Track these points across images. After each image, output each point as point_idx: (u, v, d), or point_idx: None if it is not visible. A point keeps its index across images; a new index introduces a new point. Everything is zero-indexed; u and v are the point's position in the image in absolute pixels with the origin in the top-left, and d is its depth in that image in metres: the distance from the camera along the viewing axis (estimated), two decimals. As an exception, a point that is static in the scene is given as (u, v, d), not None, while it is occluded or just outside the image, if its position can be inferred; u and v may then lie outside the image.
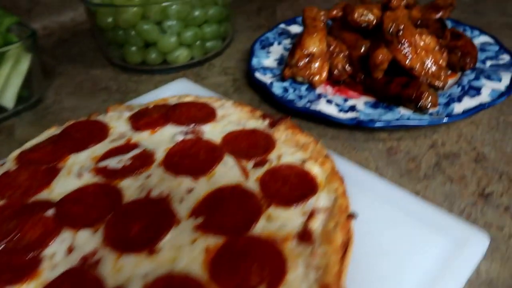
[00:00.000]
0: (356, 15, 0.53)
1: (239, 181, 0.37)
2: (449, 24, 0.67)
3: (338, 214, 0.33)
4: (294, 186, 0.36)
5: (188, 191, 0.36)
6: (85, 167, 0.40)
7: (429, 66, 0.49)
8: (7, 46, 0.52)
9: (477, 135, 0.47)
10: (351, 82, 0.54)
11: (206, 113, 0.47)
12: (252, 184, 0.36)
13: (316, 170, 0.38)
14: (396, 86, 0.48)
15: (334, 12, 0.60)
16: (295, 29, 0.69)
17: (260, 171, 0.38)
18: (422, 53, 0.49)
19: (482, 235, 0.32)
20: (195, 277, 0.28)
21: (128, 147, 0.42)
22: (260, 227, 0.32)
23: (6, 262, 0.31)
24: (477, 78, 0.52)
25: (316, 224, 0.32)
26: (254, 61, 0.59)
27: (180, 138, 0.42)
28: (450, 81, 0.53)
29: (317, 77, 0.52)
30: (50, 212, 0.34)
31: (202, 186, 0.36)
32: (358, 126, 0.46)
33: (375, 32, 0.53)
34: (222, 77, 0.63)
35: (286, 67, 0.53)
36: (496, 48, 0.58)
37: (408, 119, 0.45)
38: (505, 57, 0.56)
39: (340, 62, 0.54)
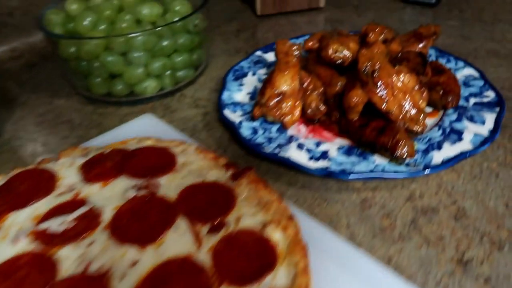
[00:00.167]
0: (330, 51, 0.49)
1: (190, 252, 0.33)
2: (432, 52, 0.64)
3: (295, 298, 0.29)
4: (251, 257, 0.32)
5: (132, 264, 0.32)
6: (24, 229, 0.36)
7: (407, 109, 0.46)
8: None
9: (459, 185, 0.44)
10: (326, 121, 0.51)
11: (165, 162, 0.43)
12: (204, 255, 0.33)
13: (277, 236, 0.34)
14: (371, 131, 0.44)
15: (310, 43, 0.56)
16: (272, 57, 0.66)
17: (215, 239, 0.34)
18: (399, 95, 0.45)
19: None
20: None
21: (74, 204, 0.38)
22: (206, 316, 0.28)
23: None
24: (459, 119, 0.49)
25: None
26: (225, 96, 0.55)
27: (132, 194, 0.39)
28: (431, 120, 0.50)
29: (288, 117, 0.49)
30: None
31: (149, 258, 0.33)
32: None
33: (351, 68, 0.49)
34: (193, 110, 0.60)
35: (256, 105, 0.50)
36: (481, 83, 0.55)
37: (383, 170, 0.42)
38: (490, 94, 0.52)
39: (314, 100, 0.50)
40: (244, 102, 0.55)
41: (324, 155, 0.44)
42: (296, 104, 0.49)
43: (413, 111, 0.45)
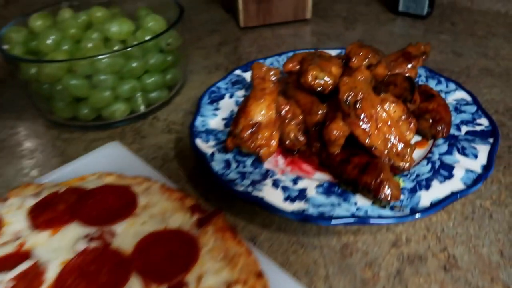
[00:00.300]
0: (309, 78, 0.45)
1: (141, 322, 0.29)
2: (422, 72, 0.60)
3: None
4: (210, 328, 0.28)
5: None
6: (-45, 291, 0.31)
7: (393, 143, 0.42)
8: None
9: (449, 227, 0.40)
10: (306, 152, 0.47)
11: (124, 203, 0.39)
12: (156, 327, 0.28)
13: (242, 300, 0.30)
14: (353, 169, 0.40)
15: (290, 65, 0.52)
16: (252, 76, 0.61)
17: (171, 304, 0.30)
18: (384, 128, 0.41)
19: None
20: None
21: (17, 257, 0.34)
22: None
23: None
24: (449, 152, 0.45)
25: None
26: (198, 122, 0.51)
27: (82, 246, 0.34)
28: (419, 152, 0.46)
29: (264, 149, 0.44)
30: None
31: (93, 330, 0.28)
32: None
33: (333, 95, 0.45)
34: (165, 135, 0.55)
35: (230, 136, 0.46)
36: (473, 109, 0.51)
37: (366, 214, 0.37)
38: (483, 122, 0.49)
39: (292, 130, 0.46)
40: (218, 129, 0.51)
41: (302, 194, 0.40)
42: (273, 134, 0.45)
43: (400, 146, 0.41)
